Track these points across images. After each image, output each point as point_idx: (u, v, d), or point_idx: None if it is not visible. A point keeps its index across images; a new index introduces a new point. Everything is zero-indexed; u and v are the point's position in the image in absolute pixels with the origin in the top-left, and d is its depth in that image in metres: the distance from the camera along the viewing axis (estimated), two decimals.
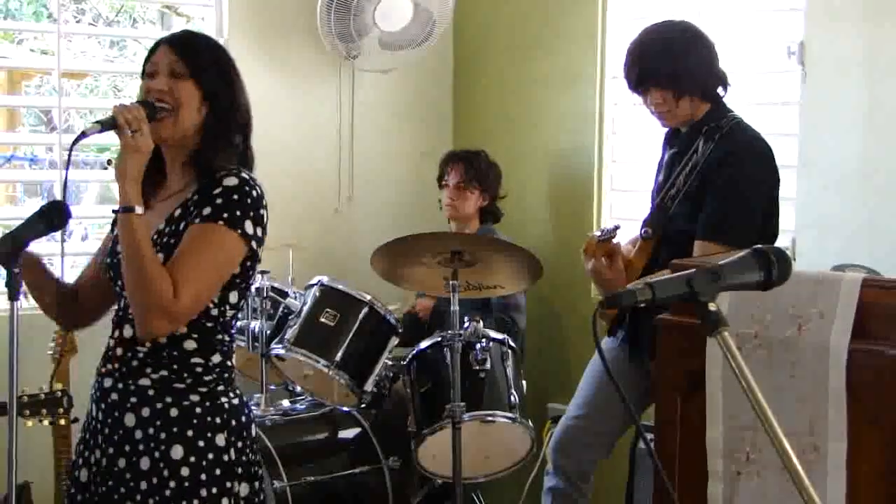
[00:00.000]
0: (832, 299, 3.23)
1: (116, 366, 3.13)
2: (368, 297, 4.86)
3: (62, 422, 4.06)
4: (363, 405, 4.95)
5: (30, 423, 3.83)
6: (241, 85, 3.23)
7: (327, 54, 5.96)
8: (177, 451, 3.04)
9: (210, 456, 3.07)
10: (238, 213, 3.04)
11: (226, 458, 3.09)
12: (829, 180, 4.91)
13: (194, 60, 3.13)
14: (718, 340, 2.19)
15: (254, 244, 3.08)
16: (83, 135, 3.06)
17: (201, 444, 3.06)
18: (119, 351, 3.13)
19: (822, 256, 4.73)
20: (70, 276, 4.88)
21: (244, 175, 3.10)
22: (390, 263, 4.63)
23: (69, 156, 3.08)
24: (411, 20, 5.88)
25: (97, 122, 3.05)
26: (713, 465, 3.45)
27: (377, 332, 4.88)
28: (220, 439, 3.09)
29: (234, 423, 3.12)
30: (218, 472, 3.07)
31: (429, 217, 5.85)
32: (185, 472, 3.04)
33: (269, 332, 5.00)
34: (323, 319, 4.83)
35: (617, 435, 4.65)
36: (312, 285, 4.94)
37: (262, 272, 5.00)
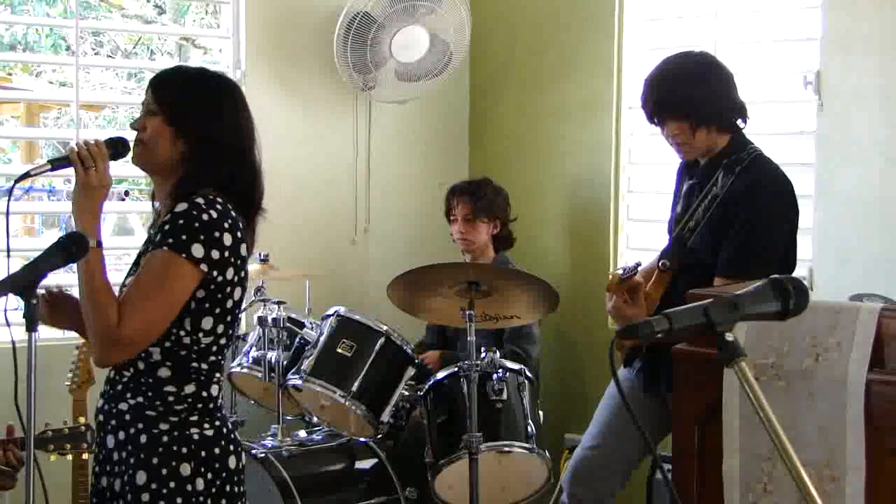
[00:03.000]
0: (850, 329, 3.23)
1: (107, 388, 3.22)
2: (385, 328, 4.87)
3: (85, 456, 4.06)
4: (380, 436, 4.95)
5: (52, 458, 3.84)
6: (227, 116, 3.25)
7: (344, 86, 5.98)
8: (140, 477, 3.09)
9: (171, 484, 3.09)
10: (184, 237, 3.05)
11: (189, 487, 3.10)
12: (845, 210, 4.91)
13: (163, 97, 3.21)
14: (736, 371, 2.19)
15: (204, 267, 3.06)
16: (27, 175, 3.17)
17: (164, 472, 3.09)
18: (111, 374, 3.22)
19: (839, 286, 4.71)
20: None
21: (198, 199, 3.10)
22: (407, 294, 4.64)
23: (10, 193, 3.23)
24: (428, 51, 5.90)
25: (49, 160, 3.16)
26: (730, 496, 3.43)
27: (394, 362, 4.88)
28: (186, 469, 3.10)
29: (203, 454, 3.13)
30: (179, 500, 3.10)
31: (446, 248, 5.86)
32: (145, 497, 3.09)
33: (285, 362, 5.00)
34: (339, 350, 4.83)
35: (633, 465, 4.63)
36: (329, 316, 4.95)
37: (279, 303, 5.01)
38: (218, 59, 6.40)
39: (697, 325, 2.23)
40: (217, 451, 3.16)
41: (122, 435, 3.13)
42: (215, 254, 3.07)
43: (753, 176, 4.23)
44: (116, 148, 3.17)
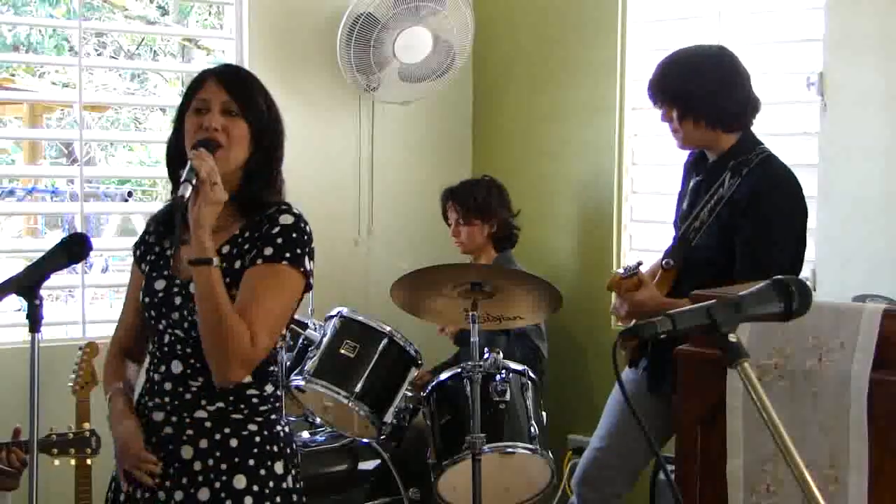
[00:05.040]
0: (853, 330, 3.22)
1: (167, 399, 3.14)
2: (388, 329, 4.86)
3: (88, 461, 4.06)
4: (383, 437, 4.95)
5: (56, 462, 3.85)
6: (282, 119, 3.28)
7: (347, 87, 5.99)
8: (240, 481, 3.08)
9: (271, 484, 3.11)
10: (298, 251, 3.09)
11: (284, 485, 3.14)
12: (849, 211, 4.91)
13: (248, 100, 3.17)
14: (739, 371, 2.19)
15: (311, 280, 3.15)
16: (182, 198, 2.99)
17: (262, 472, 3.10)
18: (168, 386, 3.14)
19: (842, 287, 4.72)
20: (90, 309, 4.87)
21: (296, 211, 3.16)
22: (410, 295, 4.64)
23: (177, 217, 3.07)
24: (431, 52, 5.90)
25: (185, 180, 3.00)
26: (734, 498, 3.43)
27: (397, 363, 4.88)
28: (279, 467, 3.14)
29: (288, 450, 3.19)
30: (279, 499, 3.12)
31: (449, 249, 5.85)
32: (248, 501, 3.08)
33: (288, 363, 5.00)
34: (343, 351, 4.83)
35: (641, 466, 4.62)
36: (332, 316, 4.95)
37: None
38: (221, 60, 6.39)
39: (701, 326, 2.23)
40: (294, 446, 3.24)
41: (203, 443, 3.09)
42: (312, 265, 3.15)
43: (763, 179, 4.20)
44: (211, 149, 3.07)
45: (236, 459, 3.08)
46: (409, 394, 4.99)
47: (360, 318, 4.90)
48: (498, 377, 4.65)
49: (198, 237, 3.00)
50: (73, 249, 3.03)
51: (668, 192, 4.76)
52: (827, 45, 5.01)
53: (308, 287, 3.16)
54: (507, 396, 4.64)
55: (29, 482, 2.94)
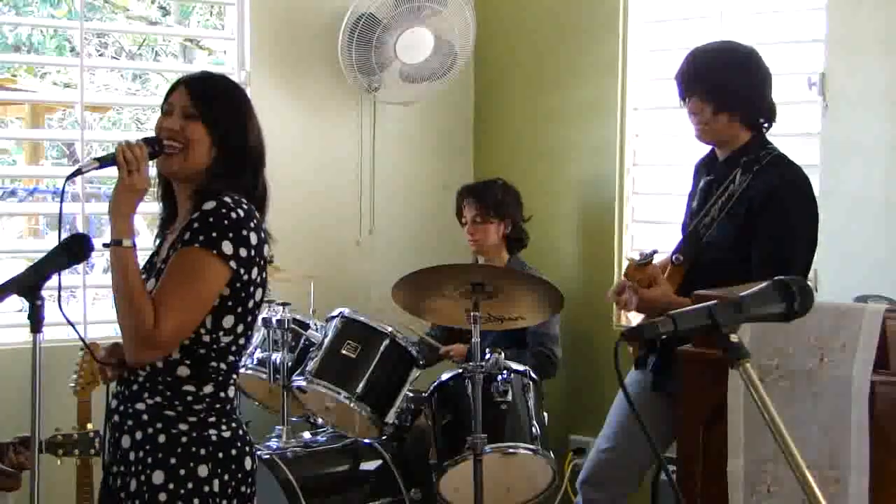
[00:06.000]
0: (854, 331, 3.22)
1: (121, 388, 3.22)
2: (390, 329, 4.87)
3: (91, 460, 4.07)
4: (384, 437, 4.95)
5: (59, 463, 3.85)
6: (254, 125, 3.32)
7: (349, 87, 5.98)
8: (158, 477, 3.10)
9: (189, 485, 3.11)
10: (214, 234, 3.07)
11: (206, 488, 3.13)
12: (850, 211, 4.91)
13: (207, 105, 3.22)
14: (740, 372, 2.19)
15: (233, 264, 3.09)
16: (79, 171, 3.21)
17: (182, 472, 3.11)
18: (125, 374, 3.20)
19: (844, 288, 4.71)
20: (92, 310, 4.88)
21: (225, 198, 3.14)
22: (412, 296, 4.64)
23: (63, 189, 3.26)
24: (432, 53, 5.89)
25: (96, 158, 3.17)
26: (734, 498, 3.43)
27: (398, 364, 4.88)
28: (203, 470, 3.13)
29: (220, 455, 3.16)
30: (196, 501, 3.12)
31: (450, 249, 5.85)
32: (162, 497, 3.10)
33: (290, 363, 5.00)
34: (344, 351, 4.83)
35: (647, 466, 4.61)
36: (334, 317, 4.95)
37: (284, 304, 5.00)
38: (222, 61, 6.40)
39: (702, 327, 2.23)
40: (234, 452, 3.19)
41: (139, 435, 3.13)
42: (243, 252, 3.11)
43: (780, 178, 4.18)
44: (153, 147, 3.17)
45: (160, 455, 3.11)
46: (411, 394, 4.99)
47: (362, 318, 4.91)
48: (499, 377, 4.65)
49: (112, 218, 3.12)
50: (74, 250, 3.04)
51: (670, 192, 4.76)
52: (828, 45, 5.01)
53: (237, 274, 3.10)
54: (509, 397, 4.65)
55: (31, 482, 2.95)
